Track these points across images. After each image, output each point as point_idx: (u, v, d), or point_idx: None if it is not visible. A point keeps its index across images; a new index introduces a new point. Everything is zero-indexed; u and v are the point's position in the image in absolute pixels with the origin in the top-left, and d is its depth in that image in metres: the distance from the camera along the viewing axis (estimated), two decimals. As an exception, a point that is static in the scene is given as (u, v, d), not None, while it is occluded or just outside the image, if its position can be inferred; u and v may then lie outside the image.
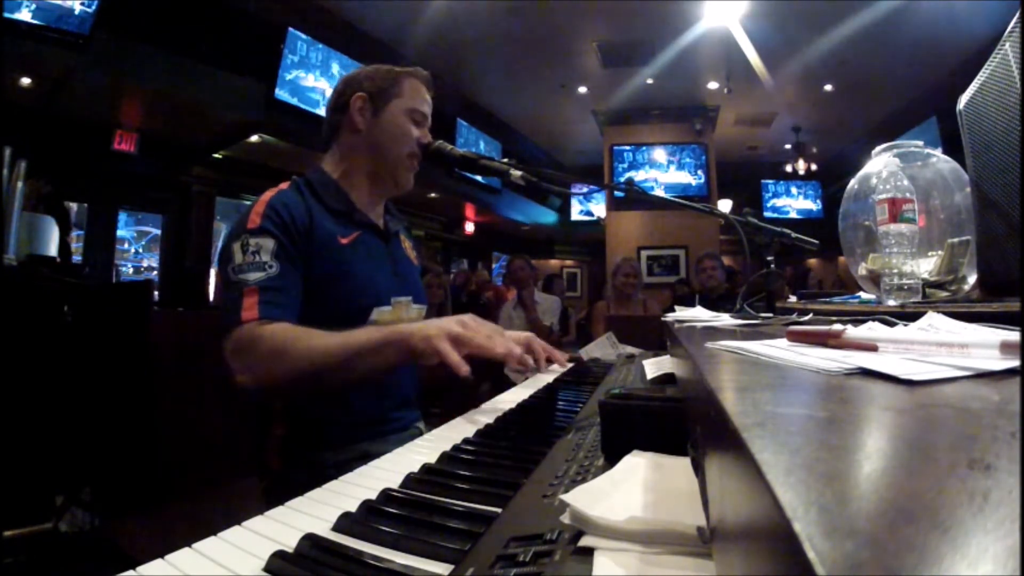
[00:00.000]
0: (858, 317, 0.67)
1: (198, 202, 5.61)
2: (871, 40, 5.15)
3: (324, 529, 0.44)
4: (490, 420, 0.82)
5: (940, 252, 0.94)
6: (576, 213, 9.23)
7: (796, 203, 8.82)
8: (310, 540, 0.41)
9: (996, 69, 0.70)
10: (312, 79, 4.97)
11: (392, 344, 0.86)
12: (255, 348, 0.86)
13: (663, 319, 1.35)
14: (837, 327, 0.43)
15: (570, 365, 1.36)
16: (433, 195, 7.19)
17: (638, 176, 6.74)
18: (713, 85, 6.41)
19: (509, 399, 1.02)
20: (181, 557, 0.39)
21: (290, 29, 4.78)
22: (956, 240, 0.91)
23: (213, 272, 5.70)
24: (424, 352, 0.84)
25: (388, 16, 5.15)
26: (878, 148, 1.03)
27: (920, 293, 0.85)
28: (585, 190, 7.71)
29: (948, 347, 0.35)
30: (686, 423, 0.47)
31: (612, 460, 0.48)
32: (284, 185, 1.06)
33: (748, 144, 8.35)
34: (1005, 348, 0.32)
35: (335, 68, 5.13)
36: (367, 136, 1.10)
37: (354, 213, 1.09)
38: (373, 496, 0.50)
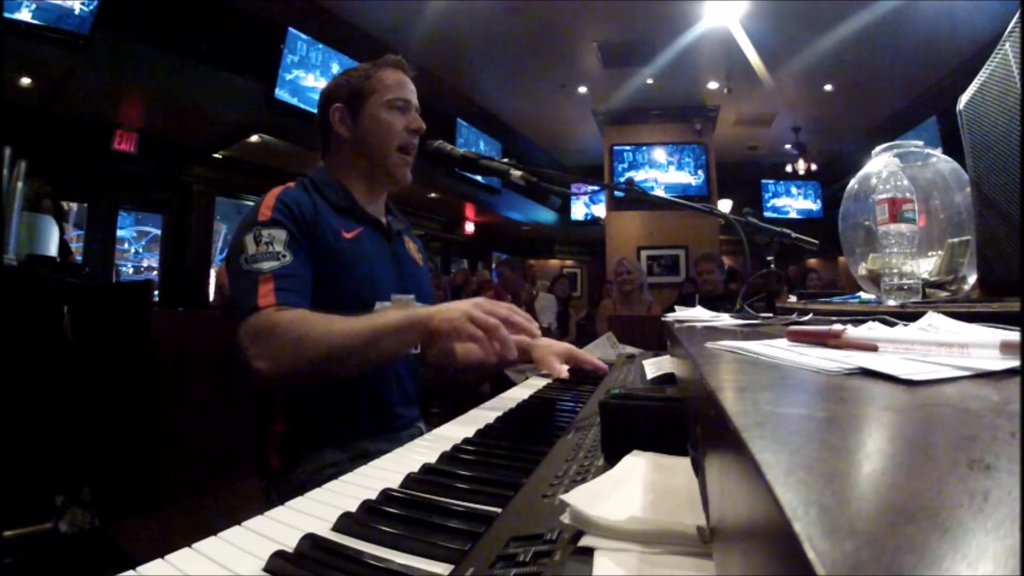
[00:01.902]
0: (858, 317, 0.67)
1: (198, 202, 5.61)
2: (871, 40, 5.15)
3: (324, 529, 0.44)
4: (490, 420, 0.82)
5: (940, 252, 0.94)
6: (581, 215, 9.23)
7: (796, 203, 8.81)
8: (310, 540, 0.41)
9: (996, 69, 0.70)
10: (312, 79, 4.97)
11: (413, 326, 0.87)
12: (275, 334, 0.87)
13: (663, 319, 1.35)
14: (837, 327, 0.43)
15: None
16: (433, 195, 7.19)
17: (638, 176, 6.74)
18: (713, 85, 6.41)
19: (509, 399, 1.02)
20: (181, 557, 0.39)
21: (290, 29, 4.78)
22: (956, 240, 0.91)
23: (213, 272, 5.71)
24: (446, 332, 0.85)
25: (388, 16, 5.15)
26: (878, 148, 1.03)
27: (920, 293, 0.85)
28: (590, 190, 7.71)
29: (948, 347, 0.35)
30: (686, 423, 0.47)
31: (612, 460, 0.48)
32: (291, 184, 1.08)
33: (748, 144, 8.35)
34: (1005, 348, 0.32)
35: (335, 68, 5.12)
36: (353, 141, 1.12)
37: (356, 209, 1.10)
38: (373, 496, 0.50)
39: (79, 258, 4.41)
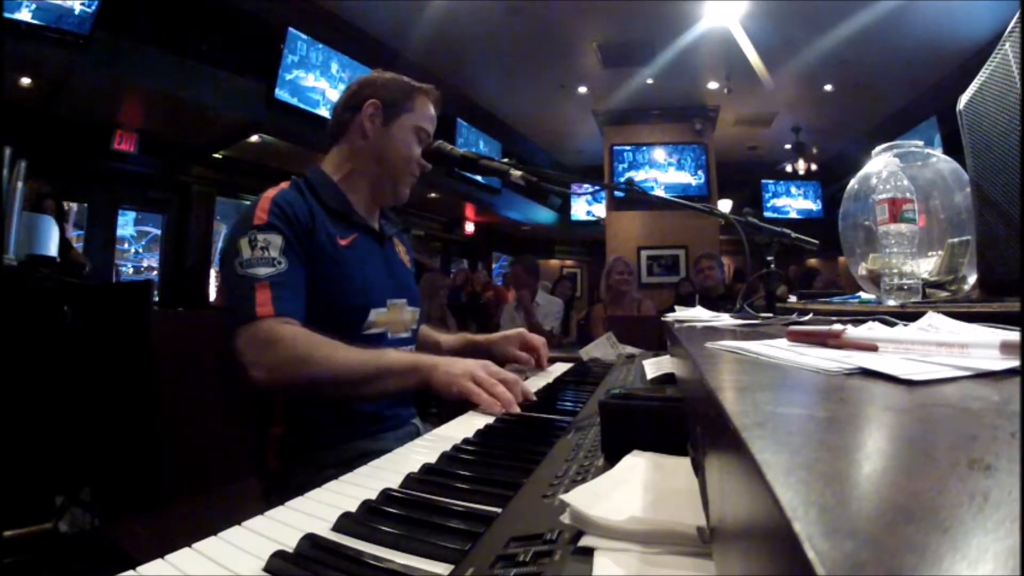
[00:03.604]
0: (858, 317, 0.67)
1: (198, 202, 5.61)
2: (871, 40, 5.15)
3: (324, 529, 0.44)
4: (490, 420, 0.82)
5: (940, 252, 0.94)
6: (583, 214, 9.23)
7: (796, 203, 8.81)
8: (310, 540, 0.41)
9: (996, 69, 0.70)
10: (312, 79, 4.97)
11: (415, 372, 0.91)
12: (275, 348, 0.88)
13: (663, 319, 1.35)
14: (837, 327, 0.43)
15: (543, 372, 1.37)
16: (433, 195, 7.19)
17: (638, 176, 6.73)
18: (713, 85, 6.40)
19: (509, 399, 1.01)
20: (181, 557, 0.39)
21: (290, 29, 4.78)
22: (956, 240, 0.91)
23: (213, 272, 5.70)
24: (445, 386, 0.88)
25: (388, 16, 5.15)
26: (878, 148, 1.03)
27: (920, 293, 0.85)
28: (592, 189, 7.70)
29: (948, 347, 0.35)
30: (686, 423, 0.47)
31: (612, 460, 0.48)
32: (284, 185, 1.07)
33: (748, 144, 8.34)
34: (1005, 348, 0.32)
35: (335, 68, 5.12)
36: (374, 144, 1.11)
37: (352, 215, 1.10)
38: (373, 496, 0.50)
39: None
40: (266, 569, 0.38)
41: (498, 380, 0.89)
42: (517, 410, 0.88)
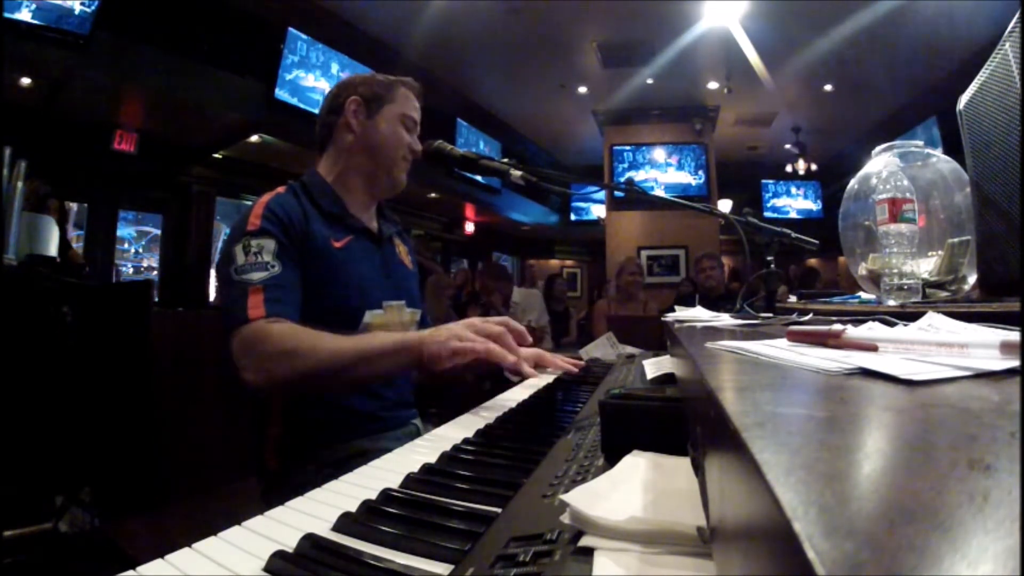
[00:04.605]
0: (858, 317, 0.67)
1: (198, 202, 5.61)
2: (871, 40, 5.15)
3: (324, 529, 0.44)
4: (490, 420, 0.82)
5: (940, 252, 0.94)
6: (582, 214, 9.24)
7: (796, 203, 8.81)
8: (310, 540, 0.41)
9: (996, 69, 0.70)
10: (312, 79, 4.97)
11: (405, 350, 0.89)
12: (264, 346, 0.88)
13: (663, 319, 1.35)
14: (837, 327, 0.43)
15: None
16: (433, 195, 7.19)
17: (638, 176, 6.73)
18: (713, 85, 6.40)
19: (509, 399, 1.01)
20: (181, 557, 0.39)
21: (290, 29, 4.78)
22: (956, 240, 0.91)
23: (214, 272, 5.70)
24: (436, 356, 0.86)
25: (388, 16, 5.15)
26: (878, 148, 1.03)
27: (920, 293, 0.85)
28: (595, 193, 7.71)
29: (948, 347, 0.35)
30: (686, 423, 0.47)
31: (612, 460, 0.48)
32: (280, 189, 1.07)
33: (748, 144, 8.34)
34: (1005, 348, 0.32)
35: (335, 68, 5.12)
36: (361, 137, 1.12)
37: (347, 217, 1.10)
38: (373, 496, 0.50)
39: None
40: (266, 569, 0.38)
41: (485, 335, 0.88)
42: (526, 367, 0.88)
